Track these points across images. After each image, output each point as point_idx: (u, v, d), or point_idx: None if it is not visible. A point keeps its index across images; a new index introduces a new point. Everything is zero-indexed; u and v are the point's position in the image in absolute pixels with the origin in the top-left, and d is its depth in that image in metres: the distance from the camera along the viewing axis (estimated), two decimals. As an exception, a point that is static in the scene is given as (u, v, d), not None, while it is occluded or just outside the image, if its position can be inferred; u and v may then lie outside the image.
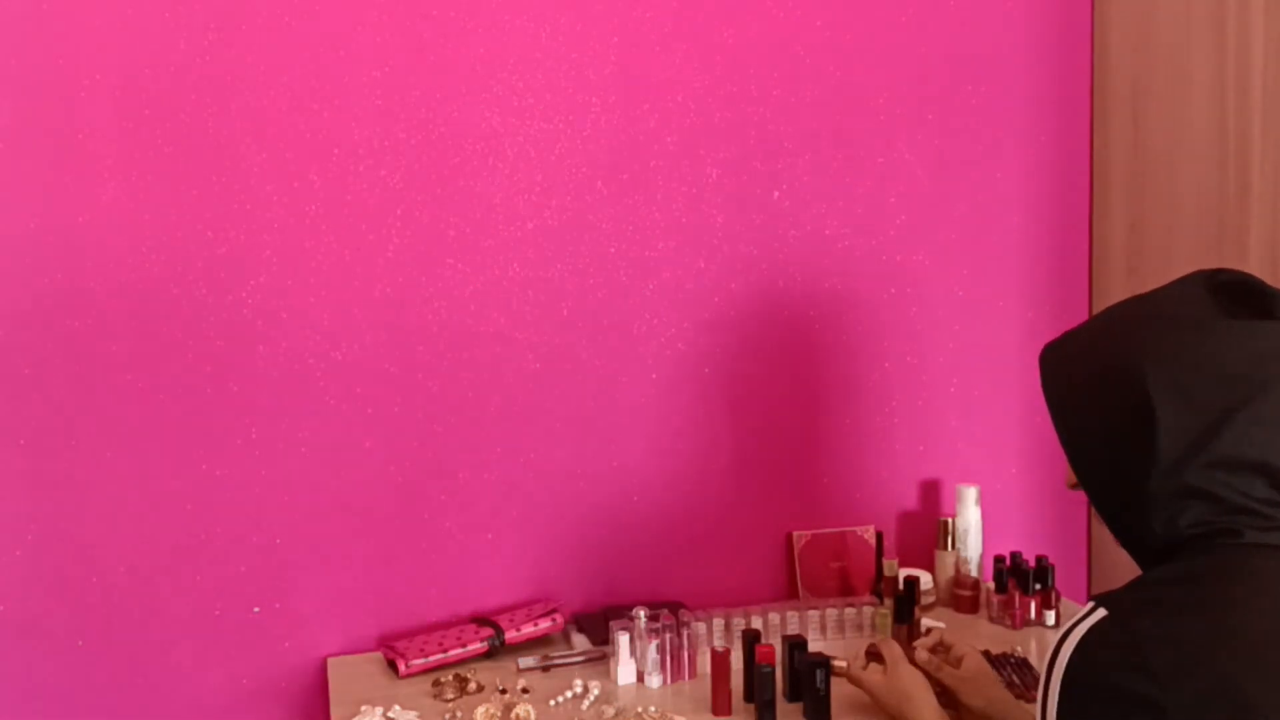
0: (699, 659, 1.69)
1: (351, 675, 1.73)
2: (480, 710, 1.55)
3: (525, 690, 1.66)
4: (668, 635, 1.68)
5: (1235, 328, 1.04)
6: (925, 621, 1.80)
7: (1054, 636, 1.03)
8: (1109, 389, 1.07)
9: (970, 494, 2.00)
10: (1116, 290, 2.03)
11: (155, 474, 1.72)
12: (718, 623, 1.75)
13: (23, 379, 1.65)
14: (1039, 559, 1.90)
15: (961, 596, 1.95)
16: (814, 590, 1.97)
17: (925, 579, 1.95)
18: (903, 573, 1.88)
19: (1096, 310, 2.06)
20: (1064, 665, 1.00)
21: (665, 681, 1.68)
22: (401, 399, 1.80)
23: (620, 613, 1.76)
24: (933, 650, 1.53)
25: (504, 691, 1.65)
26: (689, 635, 1.69)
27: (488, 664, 1.74)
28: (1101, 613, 1.00)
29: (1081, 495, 1.22)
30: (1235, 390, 1.02)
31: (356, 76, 1.74)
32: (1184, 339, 1.05)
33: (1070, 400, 1.12)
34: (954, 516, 2.00)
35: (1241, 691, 0.95)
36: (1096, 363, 1.10)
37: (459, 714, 1.59)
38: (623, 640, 1.69)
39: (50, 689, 1.70)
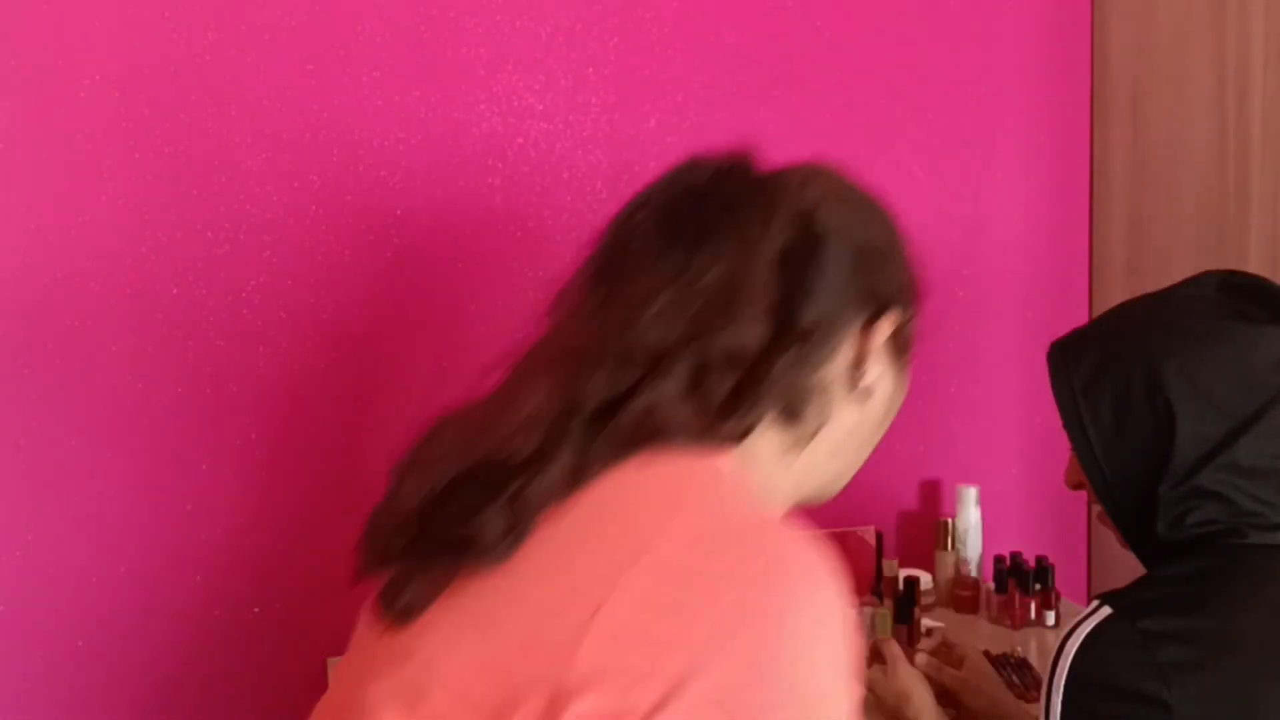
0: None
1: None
2: (480, 710, 1.55)
3: (525, 690, 1.66)
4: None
5: (1255, 333, 1.04)
6: (925, 622, 1.80)
7: (1057, 635, 1.03)
8: (1127, 392, 1.07)
9: (970, 494, 2.00)
10: (1116, 290, 2.03)
11: (155, 474, 1.71)
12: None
13: (21, 379, 1.65)
14: (1039, 559, 1.90)
15: (961, 597, 1.95)
16: (814, 590, 1.97)
17: (925, 579, 1.95)
18: (903, 573, 1.88)
19: (1097, 310, 2.06)
20: (1069, 663, 1.00)
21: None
22: (401, 399, 1.80)
23: (620, 613, 1.75)
24: (935, 651, 1.53)
25: (504, 692, 1.65)
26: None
27: (488, 664, 1.74)
28: (1107, 611, 1.00)
29: (1082, 495, 1.22)
30: (1257, 397, 1.02)
31: (356, 76, 1.74)
32: (1204, 343, 1.05)
33: (1083, 401, 1.11)
34: (954, 517, 2.00)
35: (1247, 691, 0.95)
36: (1112, 365, 1.09)
37: (459, 714, 1.58)
38: (623, 640, 1.68)
39: (50, 689, 1.70)
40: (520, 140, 1.82)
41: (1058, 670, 1.01)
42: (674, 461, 0.77)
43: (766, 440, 0.82)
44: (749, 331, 0.80)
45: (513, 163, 1.82)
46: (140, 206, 1.67)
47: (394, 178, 1.77)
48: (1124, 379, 1.07)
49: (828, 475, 0.90)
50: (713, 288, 0.80)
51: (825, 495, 0.92)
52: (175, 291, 1.70)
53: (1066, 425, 1.13)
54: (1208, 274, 1.13)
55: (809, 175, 0.89)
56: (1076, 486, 1.19)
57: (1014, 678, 1.66)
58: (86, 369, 1.67)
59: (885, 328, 0.87)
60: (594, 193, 1.86)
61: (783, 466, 0.84)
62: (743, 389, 0.79)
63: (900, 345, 0.91)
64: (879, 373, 0.87)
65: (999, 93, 2.04)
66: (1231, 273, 1.11)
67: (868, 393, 0.87)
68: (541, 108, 1.83)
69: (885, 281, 0.88)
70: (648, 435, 0.77)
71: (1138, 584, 1.06)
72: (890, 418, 0.93)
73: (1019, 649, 1.78)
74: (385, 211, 1.77)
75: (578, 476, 0.75)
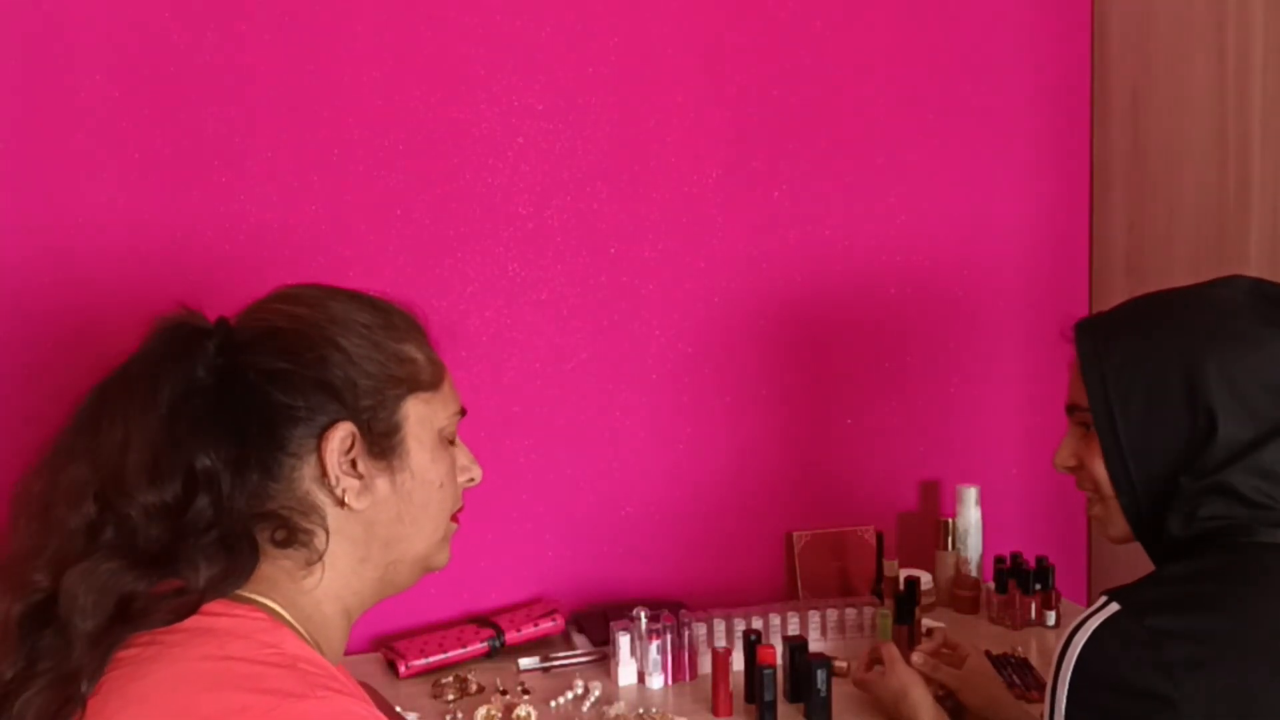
0: (699, 660, 1.69)
1: (351, 675, 1.73)
2: (481, 711, 1.55)
3: (526, 691, 1.66)
4: (668, 635, 1.67)
5: None
6: (926, 622, 1.80)
7: (1064, 630, 1.03)
8: (1163, 388, 1.08)
9: (970, 494, 2.00)
10: (1117, 290, 2.03)
11: (155, 474, 1.71)
12: (718, 623, 1.75)
13: (20, 379, 1.65)
14: (1039, 559, 1.90)
15: (962, 597, 1.95)
16: (814, 590, 1.97)
17: (925, 579, 1.95)
18: (903, 573, 1.88)
19: (1096, 310, 2.06)
20: (1075, 657, 1.00)
21: (666, 682, 1.68)
22: (401, 399, 1.80)
23: (620, 613, 1.76)
24: (936, 651, 1.53)
25: (504, 692, 1.65)
26: (689, 636, 1.69)
27: (488, 665, 1.74)
28: (1115, 607, 1.00)
29: (1082, 495, 1.22)
30: None
31: (356, 76, 1.74)
32: (1246, 348, 1.06)
33: (1113, 389, 1.11)
34: (954, 516, 2.00)
35: (1253, 690, 0.95)
36: (1149, 357, 1.10)
37: (459, 715, 1.58)
38: (623, 641, 1.68)
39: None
40: (520, 140, 1.82)
41: (1064, 664, 1.01)
42: None
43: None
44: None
45: (513, 163, 1.82)
46: (140, 206, 1.67)
47: (394, 177, 1.77)
48: (1161, 374, 1.08)
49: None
50: None
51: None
52: (176, 292, 1.69)
53: (1093, 409, 1.12)
54: (1238, 278, 1.15)
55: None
56: (1067, 470, 1.20)
57: (1014, 678, 1.66)
58: (86, 370, 1.67)
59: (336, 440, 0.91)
60: (594, 192, 1.86)
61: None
62: None
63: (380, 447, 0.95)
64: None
65: (999, 93, 2.04)
66: (1261, 281, 1.13)
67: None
68: (541, 108, 1.82)
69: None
70: None
71: (1146, 580, 1.06)
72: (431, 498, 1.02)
73: (1019, 649, 1.77)
74: (385, 211, 1.77)
75: None
